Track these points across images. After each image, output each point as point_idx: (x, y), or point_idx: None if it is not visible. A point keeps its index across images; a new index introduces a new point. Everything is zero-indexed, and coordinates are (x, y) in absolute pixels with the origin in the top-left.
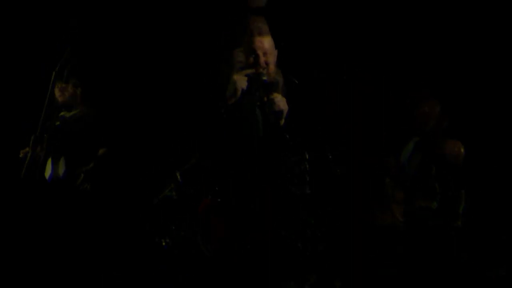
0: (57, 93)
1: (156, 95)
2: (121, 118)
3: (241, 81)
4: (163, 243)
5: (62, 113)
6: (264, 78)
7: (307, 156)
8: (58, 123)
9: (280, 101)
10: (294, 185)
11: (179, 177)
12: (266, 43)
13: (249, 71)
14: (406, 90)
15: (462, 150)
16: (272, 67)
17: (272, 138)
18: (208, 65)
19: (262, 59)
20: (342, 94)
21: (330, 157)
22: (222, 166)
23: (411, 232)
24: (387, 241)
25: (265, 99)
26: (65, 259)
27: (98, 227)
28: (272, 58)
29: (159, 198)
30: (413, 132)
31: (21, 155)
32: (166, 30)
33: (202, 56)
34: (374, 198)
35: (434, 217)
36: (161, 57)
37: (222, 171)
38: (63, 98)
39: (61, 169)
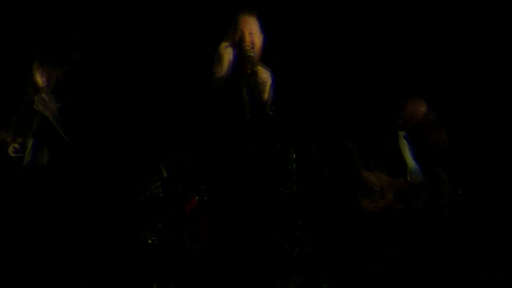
0: (37, 77)
1: (143, 89)
2: (105, 113)
3: (227, 52)
4: (149, 241)
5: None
6: (250, 53)
7: (294, 156)
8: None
9: (264, 73)
10: (282, 185)
11: (165, 174)
12: (252, 23)
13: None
14: (399, 90)
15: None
16: (257, 48)
17: (258, 119)
18: (197, 60)
19: (248, 37)
20: (335, 94)
21: (318, 157)
22: (208, 161)
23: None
24: (379, 238)
25: (249, 71)
26: (48, 254)
27: (84, 223)
28: (257, 40)
29: (145, 195)
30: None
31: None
32: (153, 25)
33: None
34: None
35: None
36: (148, 51)
37: (208, 167)
38: (43, 82)
39: (45, 157)
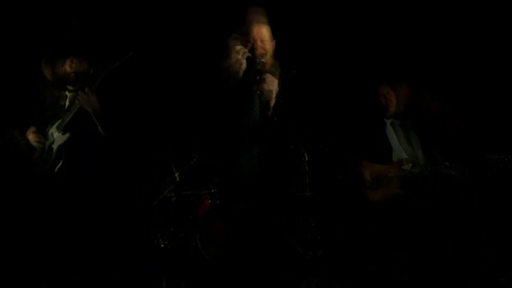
0: (67, 66)
1: (155, 94)
2: (118, 118)
3: (242, 51)
4: (162, 245)
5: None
6: (262, 60)
7: (306, 158)
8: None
9: (271, 81)
10: (294, 187)
11: (178, 178)
12: (264, 32)
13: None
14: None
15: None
16: (269, 56)
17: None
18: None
19: (260, 46)
20: (335, 94)
21: (330, 159)
22: (221, 164)
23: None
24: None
25: (257, 78)
26: (62, 257)
27: (96, 227)
28: (269, 47)
29: (158, 199)
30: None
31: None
32: (162, 25)
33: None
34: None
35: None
36: (158, 55)
37: (221, 170)
38: (72, 71)
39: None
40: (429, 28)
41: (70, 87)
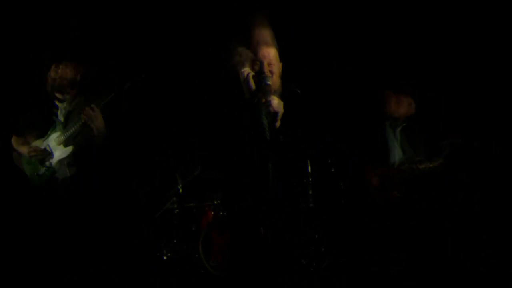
0: (53, 73)
1: (159, 103)
2: (121, 128)
3: (247, 73)
4: (165, 257)
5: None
6: (268, 82)
7: (309, 169)
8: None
9: (276, 104)
10: (298, 200)
11: (181, 190)
12: (271, 53)
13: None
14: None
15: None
16: (275, 78)
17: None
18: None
19: (266, 68)
20: (335, 94)
21: (333, 170)
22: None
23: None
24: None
25: (263, 100)
26: (65, 272)
27: (99, 239)
28: (276, 69)
29: (161, 211)
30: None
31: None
32: (167, 31)
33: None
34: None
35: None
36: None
37: (225, 183)
38: (64, 82)
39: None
40: (429, 28)
41: (58, 95)
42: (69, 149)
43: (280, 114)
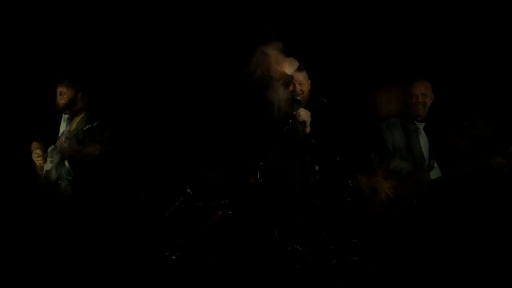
0: (58, 97)
1: (168, 104)
2: (129, 129)
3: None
4: (173, 257)
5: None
6: (298, 98)
7: (317, 168)
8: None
9: (304, 114)
10: (305, 198)
11: (189, 190)
12: (301, 76)
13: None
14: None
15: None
16: (305, 95)
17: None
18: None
19: (298, 88)
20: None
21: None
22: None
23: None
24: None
25: (294, 113)
26: (73, 271)
27: (107, 238)
28: (305, 88)
29: (170, 211)
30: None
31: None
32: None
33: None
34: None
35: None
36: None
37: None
38: (63, 101)
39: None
40: (428, 28)
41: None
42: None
43: (308, 122)
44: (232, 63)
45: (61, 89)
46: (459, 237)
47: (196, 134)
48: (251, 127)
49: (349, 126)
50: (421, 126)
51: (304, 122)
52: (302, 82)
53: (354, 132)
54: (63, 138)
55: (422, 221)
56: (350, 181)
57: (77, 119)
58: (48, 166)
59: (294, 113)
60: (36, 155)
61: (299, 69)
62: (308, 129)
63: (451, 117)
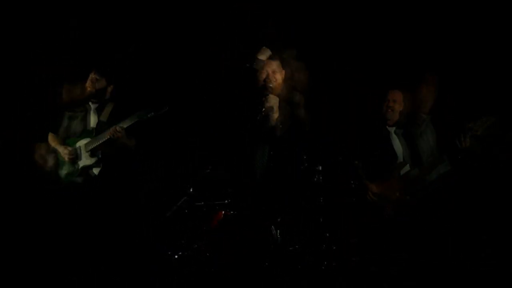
0: (88, 83)
1: (168, 104)
2: (129, 129)
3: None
4: (176, 256)
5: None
6: (271, 85)
7: (320, 168)
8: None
9: (272, 99)
10: (308, 198)
11: (191, 189)
12: (274, 65)
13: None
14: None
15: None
16: (279, 82)
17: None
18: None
19: (271, 76)
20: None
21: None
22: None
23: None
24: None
25: (263, 99)
26: (73, 271)
27: (109, 238)
28: (279, 76)
29: (172, 210)
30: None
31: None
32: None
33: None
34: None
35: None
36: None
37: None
38: (92, 89)
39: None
40: (428, 28)
41: (92, 99)
42: (94, 159)
43: (275, 109)
44: (232, 63)
45: (94, 76)
46: (459, 237)
47: (196, 134)
48: (251, 127)
49: (349, 126)
50: (392, 130)
51: (271, 108)
52: (275, 70)
53: (354, 132)
54: (118, 127)
55: (422, 221)
56: (352, 182)
57: (108, 110)
58: (85, 162)
59: (264, 99)
60: (68, 152)
61: (272, 57)
62: (276, 115)
63: (451, 117)
